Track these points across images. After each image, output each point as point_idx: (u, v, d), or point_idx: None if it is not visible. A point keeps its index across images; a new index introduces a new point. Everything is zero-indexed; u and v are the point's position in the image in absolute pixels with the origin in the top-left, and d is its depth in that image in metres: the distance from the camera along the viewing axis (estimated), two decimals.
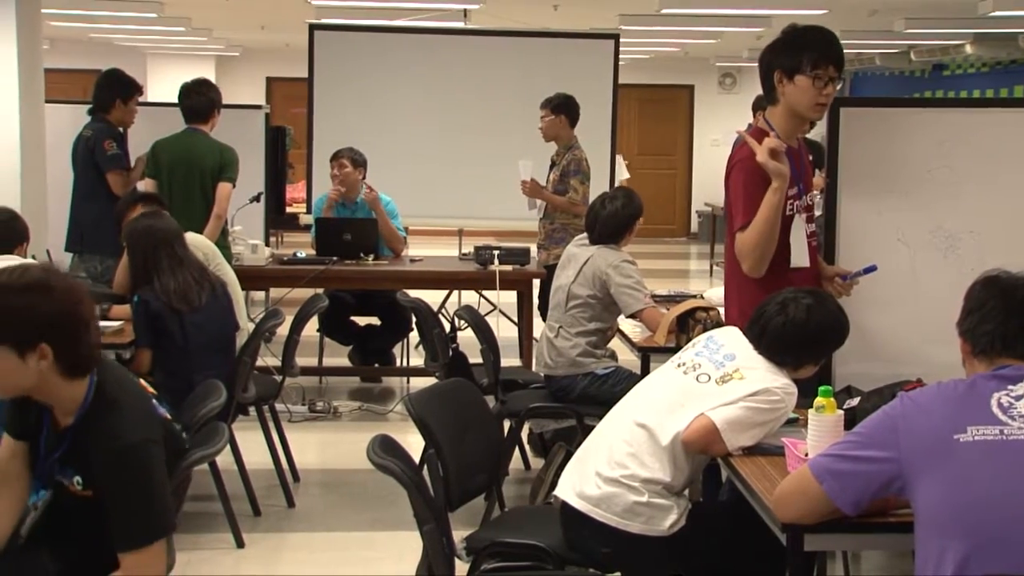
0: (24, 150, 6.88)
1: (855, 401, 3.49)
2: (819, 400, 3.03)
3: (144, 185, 6.72)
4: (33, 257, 4.83)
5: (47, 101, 7.62)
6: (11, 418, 2.90)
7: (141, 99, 7.14)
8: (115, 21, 12.82)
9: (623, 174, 9.94)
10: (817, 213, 4.16)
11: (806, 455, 2.96)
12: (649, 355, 4.94)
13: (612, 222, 5.27)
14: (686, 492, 3.37)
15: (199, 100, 6.72)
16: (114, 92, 6.96)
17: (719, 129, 17.89)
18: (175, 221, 5.07)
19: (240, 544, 4.86)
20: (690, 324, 4.87)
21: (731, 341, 3.44)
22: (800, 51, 3.74)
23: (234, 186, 6.64)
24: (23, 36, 6.87)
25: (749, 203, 3.76)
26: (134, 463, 2.71)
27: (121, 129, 7.06)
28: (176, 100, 6.83)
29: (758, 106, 7.15)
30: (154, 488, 2.74)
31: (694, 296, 5.73)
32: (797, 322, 3.33)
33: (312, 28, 9.59)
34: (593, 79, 9.26)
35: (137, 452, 2.72)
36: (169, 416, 2.97)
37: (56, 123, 7.72)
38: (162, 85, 15.51)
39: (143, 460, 2.72)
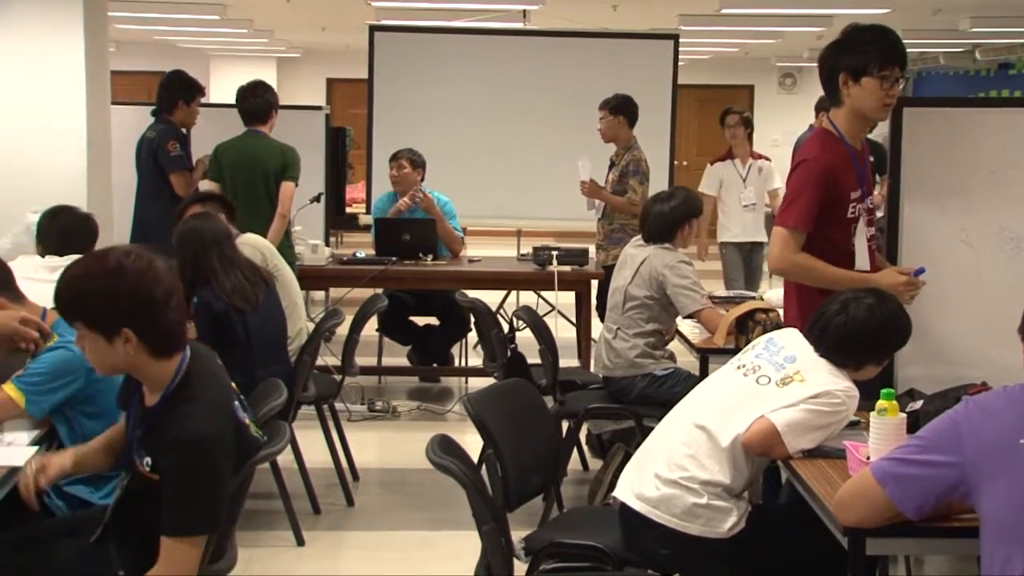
0: (91, 151, 6.97)
1: (918, 404, 3.46)
2: (881, 403, 3.00)
3: (208, 188, 6.80)
4: None
5: (112, 103, 7.72)
6: (121, 388, 3.08)
7: (203, 100, 7.22)
8: (179, 23, 12.97)
9: (774, 182, 8.69)
10: (879, 214, 4.12)
11: (868, 458, 2.94)
12: (708, 356, 4.93)
13: (660, 221, 5.24)
14: (746, 494, 3.35)
15: (256, 102, 6.78)
16: (177, 93, 7.05)
17: (779, 130, 17.72)
18: (223, 222, 5.09)
19: (300, 542, 4.90)
20: (749, 326, 4.86)
21: (792, 343, 3.42)
22: (865, 52, 3.70)
23: (297, 185, 6.70)
24: (90, 39, 6.96)
25: (804, 205, 3.74)
26: (195, 454, 2.76)
27: (184, 130, 7.15)
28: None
29: (821, 107, 7.09)
30: (207, 484, 2.79)
31: (753, 297, 5.71)
32: (858, 321, 3.31)
33: (372, 29, 9.65)
34: (652, 79, 9.24)
35: (201, 445, 2.77)
36: (248, 420, 3.01)
37: (121, 124, 7.81)
38: (225, 86, 15.66)
39: (205, 454, 2.77)
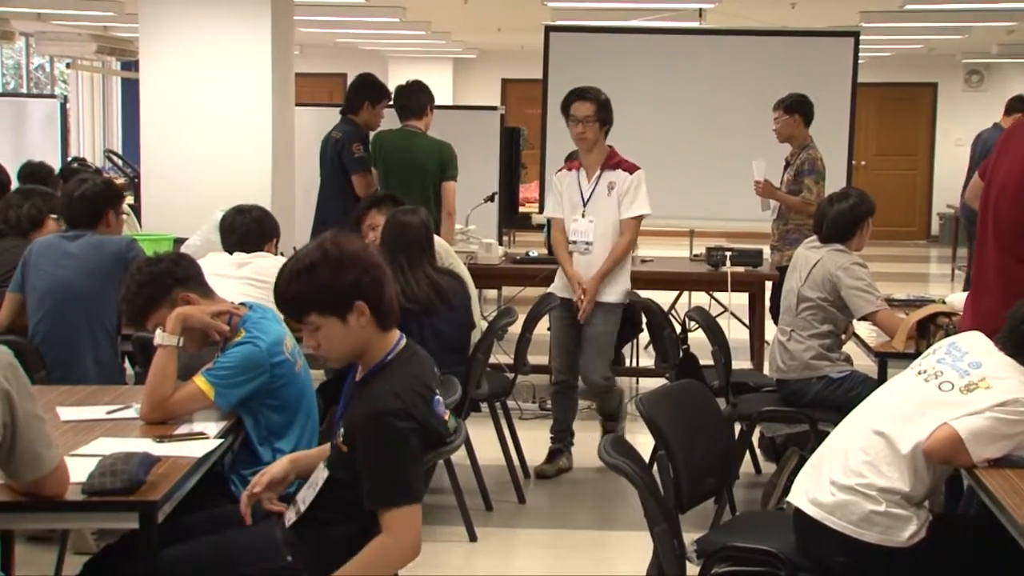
0: (275, 151, 7.20)
1: None
2: None
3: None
4: (281, 254, 5.05)
5: (295, 104, 7.95)
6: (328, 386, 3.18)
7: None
8: (360, 26, 13.30)
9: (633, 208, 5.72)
10: None
11: None
12: (887, 360, 4.80)
13: (839, 221, 5.14)
14: (927, 503, 3.27)
15: (412, 99, 6.93)
16: (364, 95, 7.21)
17: (963, 128, 17.18)
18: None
19: (473, 538, 4.96)
20: (931, 330, 4.73)
21: (976, 348, 3.31)
22: None
23: (456, 181, 6.80)
24: (277, 43, 7.18)
25: None
26: (382, 427, 2.86)
27: (367, 131, 7.32)
28: None
29: (1015, 108, 6.76)
30: (396, 455, 2.86)
31: (934, 301, 5.54)
32: None
33: (547, 30, 9.68)
34: (831, 78, 9.02)
35: (387, 419, 2.86)
36: (446, 416, 3.08)
37: (303, 126, 8.04)
38: None
39: (390, 427, 2.85)
